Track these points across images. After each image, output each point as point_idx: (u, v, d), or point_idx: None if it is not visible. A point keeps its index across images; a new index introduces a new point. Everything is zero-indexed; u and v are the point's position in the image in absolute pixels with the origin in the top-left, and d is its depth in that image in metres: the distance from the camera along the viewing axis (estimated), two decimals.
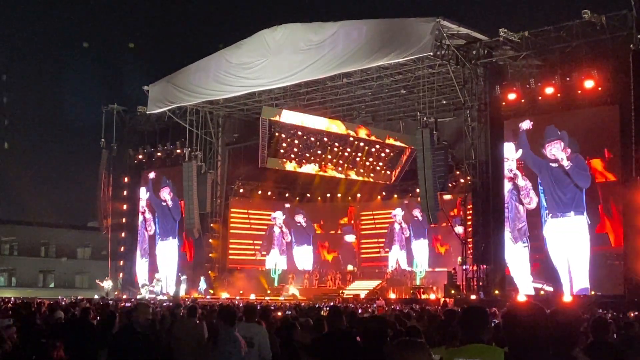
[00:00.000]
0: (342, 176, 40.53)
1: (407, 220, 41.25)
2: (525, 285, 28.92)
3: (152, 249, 43.33)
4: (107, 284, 42.66)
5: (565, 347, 3.98)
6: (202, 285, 39.32)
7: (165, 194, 42.88)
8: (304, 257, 43.86)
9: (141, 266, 43.59)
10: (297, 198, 44.59)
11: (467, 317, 5.32)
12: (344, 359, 5.76)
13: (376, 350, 5.81)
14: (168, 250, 42.53)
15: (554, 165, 28.51)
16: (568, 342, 4.09)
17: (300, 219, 44.26)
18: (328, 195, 44.34)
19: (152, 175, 43.61)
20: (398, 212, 41.48)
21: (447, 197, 34.28)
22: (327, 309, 15.51)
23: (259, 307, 13.15)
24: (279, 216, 43.53)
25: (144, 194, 44.07)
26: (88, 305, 19.02)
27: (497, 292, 29.34)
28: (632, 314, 17.47)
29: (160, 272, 41.90)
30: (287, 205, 43.96)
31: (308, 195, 44.45)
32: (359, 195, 43.96)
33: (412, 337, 5.23)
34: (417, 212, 39.62)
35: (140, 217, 44.06)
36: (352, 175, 40.45)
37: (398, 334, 7.52)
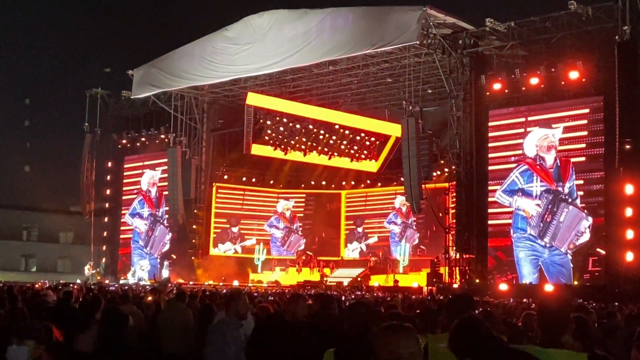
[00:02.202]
0: (327, 164, 40.58)
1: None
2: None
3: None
4: (87, 271, 42.51)
5: (556, 334, 4.01)
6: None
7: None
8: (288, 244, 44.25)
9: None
10: (281, 185, 44.60)
11: (454, 304, 5.37)
12: (333, 345, 5.78)
13: (362, 334, 5.83)
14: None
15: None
16: (558, 328, 4.12)
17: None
18: (312, 182, 44.37)
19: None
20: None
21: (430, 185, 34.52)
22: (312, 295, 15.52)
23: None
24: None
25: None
26: (71, 289, 18.99)
27: (477, 280, 29.52)
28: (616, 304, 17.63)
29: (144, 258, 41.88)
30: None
31: (292, 182, 44.47)
32: (343, 183, 44.04)
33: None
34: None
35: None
36: (337, 163, 40.51)
37: (382, 318, 7.55)
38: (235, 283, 36.27)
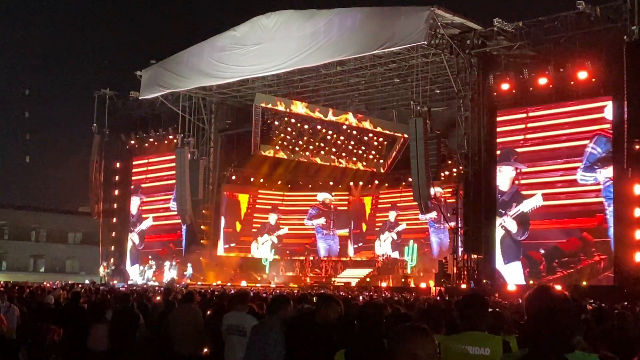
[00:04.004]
0: (335, 164, 40.57)
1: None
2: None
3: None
4: (102, 270, 42.70)
5: (567, 335, 4.00)
6: (189, 271, 39.29)
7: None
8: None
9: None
10: (289, 185, 44.60)
11: (467, 305, 5.37)
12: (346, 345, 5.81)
13: (373, 336, 5.84)
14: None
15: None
16: (570, 330, 4.12)
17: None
18: (320, 183, 44.37)
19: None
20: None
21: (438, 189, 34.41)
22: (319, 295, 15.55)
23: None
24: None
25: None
26: (79, 290, 19.10)
27: (485, 281, 29.48)
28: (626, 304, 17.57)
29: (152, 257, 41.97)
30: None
31: (300, 182, 44.47)
32: (351, 183, 44.03)
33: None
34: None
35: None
36: (345, 163, 40.50)
37: (392, 320, 7.56)
38: (243, 284, 36.33)
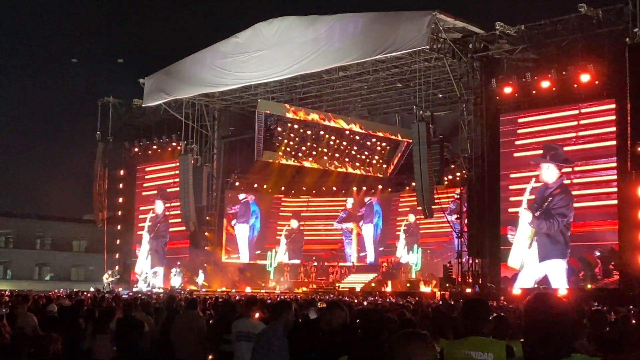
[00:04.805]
0: (339, 169, 40.60)
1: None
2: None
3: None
4: (106, 278, 42.67)
5: (565, 341, 4.00)
6: (201, 277, 39.23)
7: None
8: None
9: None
10: (293, 191, 44.64)
11: (469, 310, 5.35)
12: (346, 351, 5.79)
13: (375, 341, 5.83)
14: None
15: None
16: (567, 335, 4.11)
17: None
18: (323, 188, 44.40)
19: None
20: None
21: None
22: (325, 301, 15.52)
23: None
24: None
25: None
26: (82, 297, 19.10)
27: (490, 285, 29.41)
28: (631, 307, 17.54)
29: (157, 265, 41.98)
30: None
31: (304, 188, 44.50)
32: (354, 188, 44.04)
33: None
34: None
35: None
36: (349, 168, 40.52)
37: (395, 326, 7.55)
38: (248, 290, 36.33)
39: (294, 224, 44.83)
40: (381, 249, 43.03)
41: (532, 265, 28.82)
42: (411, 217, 41.27)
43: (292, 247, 44.41)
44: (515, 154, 30.07)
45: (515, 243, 29.35)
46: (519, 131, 30.12)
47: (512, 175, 30.20)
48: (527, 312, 3.67)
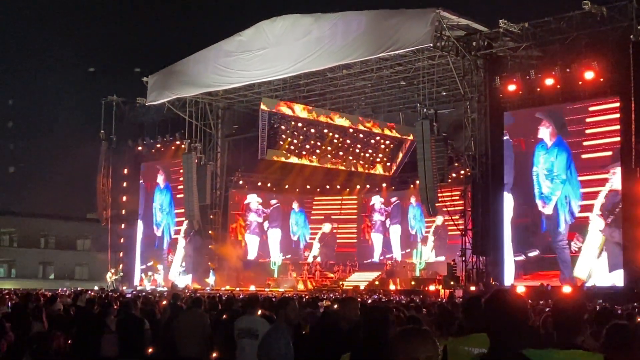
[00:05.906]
0: (342, 168, 40.57)
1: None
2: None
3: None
4: (110, 277, 42.70)
5: (569, 336, 3.99)
6: (212, 278, 39.20)
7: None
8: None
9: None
10: (297, 189, 44.64)
11: (470, 307, 5.34)
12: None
13: (380, 339, 5.80)
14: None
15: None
16: (572, 331, 4.11)
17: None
18: (327, 187, 44.37)
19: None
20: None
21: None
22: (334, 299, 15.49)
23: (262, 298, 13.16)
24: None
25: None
26: (92, 296, 19.13)
27: (494, 282, 29.37)
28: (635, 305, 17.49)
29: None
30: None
31: (308, 187, 44.48)
32: (358, 187, 44.00)
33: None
34: None
35: None
36: (352, 167, 40.49)
37: (399, 323, 7.53)
38: (252, 288, 36.31)
39: (327, 227, 45.14)
40: (407, 250, 42.45)
41: (601, 275, 27.11)
42: (439, 220, 39.81)
43: (325, 250, 44.92)
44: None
45: (582, 252, 27.69)
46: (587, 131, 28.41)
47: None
48: (485, 307, 3.86)
